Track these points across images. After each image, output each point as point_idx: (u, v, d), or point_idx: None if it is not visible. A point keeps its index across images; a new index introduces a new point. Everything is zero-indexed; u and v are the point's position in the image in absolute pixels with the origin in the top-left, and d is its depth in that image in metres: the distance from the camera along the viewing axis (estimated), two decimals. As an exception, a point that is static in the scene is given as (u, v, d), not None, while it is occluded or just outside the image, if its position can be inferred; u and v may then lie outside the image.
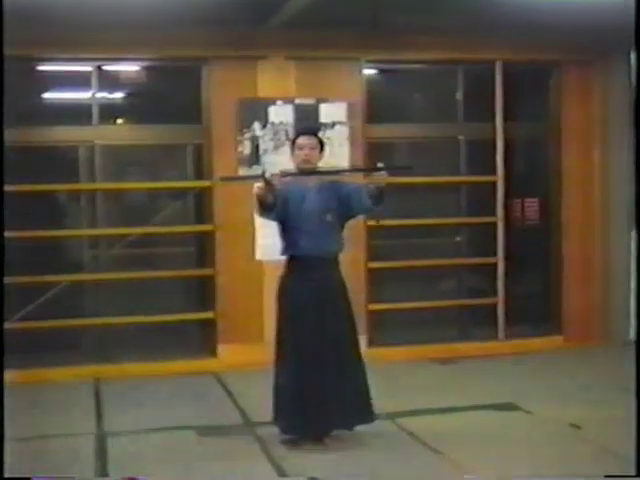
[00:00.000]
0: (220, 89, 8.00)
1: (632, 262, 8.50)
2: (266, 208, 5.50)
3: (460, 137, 8.76)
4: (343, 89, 8.21)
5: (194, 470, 5.26)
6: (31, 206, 7.76)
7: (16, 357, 7.18)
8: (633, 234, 8.47)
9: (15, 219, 7.32)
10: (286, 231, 5.69)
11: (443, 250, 9.01)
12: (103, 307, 8.07)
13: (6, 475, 4.04)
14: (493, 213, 8.70)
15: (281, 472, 5.17)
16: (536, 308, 9.14)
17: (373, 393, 5.72)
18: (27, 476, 4.48)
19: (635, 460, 4.09)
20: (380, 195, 5.47)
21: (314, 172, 5.77)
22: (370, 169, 5.57)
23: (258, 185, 5.39)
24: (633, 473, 4.15)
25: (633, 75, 6.55)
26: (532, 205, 9.05)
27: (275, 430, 5.72)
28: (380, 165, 5.41)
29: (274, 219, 5.67)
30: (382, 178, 5.37)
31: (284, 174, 5.71)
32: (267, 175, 5.34)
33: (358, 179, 6.04)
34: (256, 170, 7.74)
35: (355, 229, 7.14)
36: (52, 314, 7.80)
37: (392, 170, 5.55)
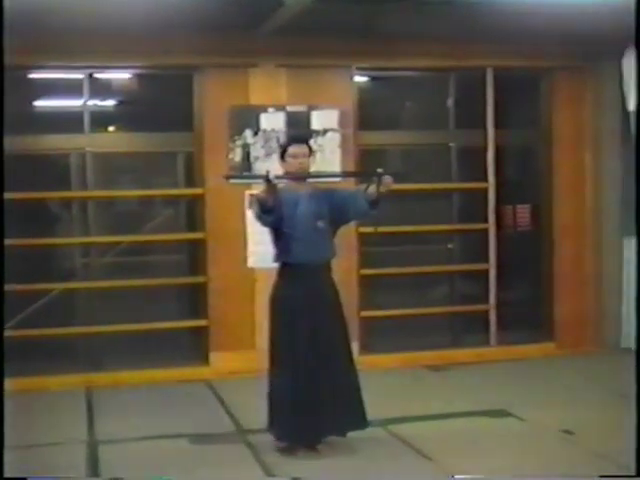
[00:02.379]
0: (212, 97, 8.01)
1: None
2: (265, 211, 5.46)
3: (451, 144, 8.78)
4: (334, 96, 8.22)
5: (186, 478, 5.25)
6: (22, 214, 7.75)
7: (7, 365, 7.16)
8: (626, 241, 8.49)
9: (6, 227, 7.32)
10: (279, 238, 5.67)
11: (435, 257, 9.00)
12: (95, 315, 8.05)
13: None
14: (485, 220, 8.71)
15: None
16: (528, 315, 9.15)
17: (365, 400, 5.72)
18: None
19: (635, 463, 4.09)
20: (377, 200, 5.49)
21: (314, 175, 5.77)
22: (369, 174, 5.56)
23: (260, 188, 5.38)
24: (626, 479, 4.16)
25: (633, 79, 6.58)
26: (524, 211, 9.06)
27: (268, 437, 5.72)
28: (380, 170, 5.42)
29: (271, 224, 5.62)
30: (389, 182, 5.39)
31: (285, 176, 5.68)
32: (271, 177, 5.33)
33: (349, 185, 6.04)
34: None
35: (347, 236, 7.15)
36: (44, 322, 7.79)
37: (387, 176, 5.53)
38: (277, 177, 5.42)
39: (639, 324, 4.59)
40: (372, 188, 5.47)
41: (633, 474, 4.18)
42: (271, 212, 5.46)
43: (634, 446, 4.10)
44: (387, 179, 5.41)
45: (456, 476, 4.85)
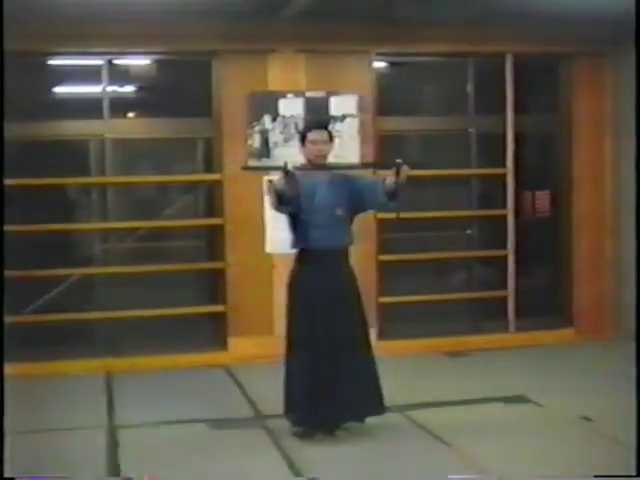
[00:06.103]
0: (230, 82, 8.00)
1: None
2: (284, 202, 5.44)
3: (471, 130, 8.73)
4: (353, 82, 8.20)
5: (205, 463, 5.27)
6: (42, 200, 7.79)
7: (28, 350, 7.24)
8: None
9: (26, 213, 7.38)
10: (296, 224, 5.67)
11: (454, 243, 8.99)
12: (114, 300, 8.08)
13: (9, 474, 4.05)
14: (504, 206, 8.68)
15: (292, 464, 5.17)
16: (547, 301, 9.12)
17: (383, 385, 5.72)
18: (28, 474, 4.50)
19: (636, 459, 4.08)
20: (396, 192, 5.45)
21: (332, 167, 5.75)
22: (388, 164, 5.51)
23: (278, 178, 5.35)
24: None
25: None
26: (543, 198, 9.03)
27: (286, 423, 5.73)
28: (399, 161, 5.38)
29: (289, 212, 5.63)
30: (405, 172, 5.35)
31: (303, 167, 5.66)
32: (289, 167, 5.31)
33: (367, 173, 6.02)
34: (266, 163, 7.78)
35: (366, 222, 7.13)
36: (63, 307, 7.83)
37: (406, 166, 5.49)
38: (295, 168, 5.40)
39: (638, 313, 4.57)
40: (390, 179, 5.44)
41: (633, 474, 4.17)
42: (289, 203, 5.45)
43: (634, 445, 4.09)
44: (405, 169, 5.37)
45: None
